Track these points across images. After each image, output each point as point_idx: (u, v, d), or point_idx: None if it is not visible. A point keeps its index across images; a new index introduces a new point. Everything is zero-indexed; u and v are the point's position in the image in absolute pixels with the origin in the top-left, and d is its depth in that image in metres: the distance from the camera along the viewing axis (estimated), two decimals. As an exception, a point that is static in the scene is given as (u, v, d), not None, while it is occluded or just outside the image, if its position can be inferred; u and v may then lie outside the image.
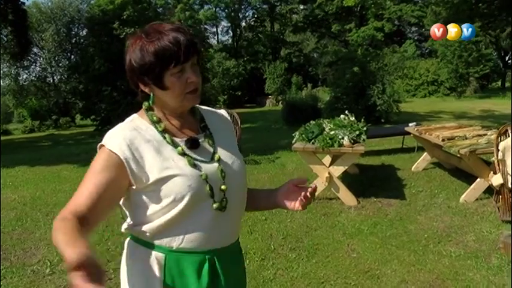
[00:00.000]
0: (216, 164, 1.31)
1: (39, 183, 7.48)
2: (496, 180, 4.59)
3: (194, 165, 1.27)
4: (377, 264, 3.63)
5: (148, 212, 1.26)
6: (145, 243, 1.30)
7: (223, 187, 1.29)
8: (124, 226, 1.35)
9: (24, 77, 30.58)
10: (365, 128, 5.73)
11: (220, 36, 38.62)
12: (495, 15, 8.98)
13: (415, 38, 35.82)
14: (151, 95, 1.28)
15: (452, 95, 25.21)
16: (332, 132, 5.43)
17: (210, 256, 1.29)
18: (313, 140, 5.46)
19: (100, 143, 1.25)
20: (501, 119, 12.92)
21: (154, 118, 1.30)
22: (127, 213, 1.34)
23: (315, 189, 1.35)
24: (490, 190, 5.17)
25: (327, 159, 6.23)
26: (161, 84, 1.23)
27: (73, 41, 29.20)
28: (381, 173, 7.01)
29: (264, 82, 29.67)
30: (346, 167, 5.51)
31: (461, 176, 6.11)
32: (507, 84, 30.53)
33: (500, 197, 4.62)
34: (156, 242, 1.28)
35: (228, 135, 1.44)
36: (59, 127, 24.91)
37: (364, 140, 5.53)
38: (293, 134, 5.90)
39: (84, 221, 1.12)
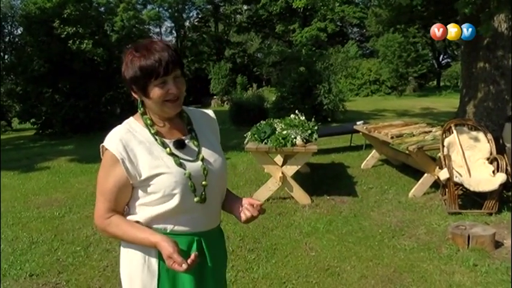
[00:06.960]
0: (199, 163, 1.53)
1: (-25, 192, 6.99)
2: (443, 174, 4.80)
3: (180, 164, 1.48)
4: (336, 261, 3.69)
5: (143, 204, 1.50)
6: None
7: (204, 183, 1.52)
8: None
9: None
10: (316, 127, 5.81)
11: (164, 37, 37.89)
12: (431, 18, 9.41)
13: (357, 38, 36.86)
14: (139, 100, 1.51)
15: (394, 93, 26.12)
16: (284, 132, 5.45)
17: (198, 238, 1.54)
18: (265, 140, 5.46)
19: (102, 144, 1.49)
20: (440, 116, 13.66)
21: (148, 121, 1.52)
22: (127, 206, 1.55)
23: (260, 211, 1.62)
24: (436, 184, 5.40)
25: (278, 158, 6.26)
26: (145, 93, 1.46)
27: (6, 39, 27.66)
28: (332, 171, 7.14)
29: (208, 82, 29.32)
30: (299, 166, 5.57)
31: (408, 171, 6.34)
32: (442, 84, 32.11)
33: (446, 190, 4.83)
34: (153, 227, 1.50)
35: (212, 135, 1.66)
36: (-7, 132, 23.50)
37: (316, 139, 5.60)
38: (244, 135, 5.87)
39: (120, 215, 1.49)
